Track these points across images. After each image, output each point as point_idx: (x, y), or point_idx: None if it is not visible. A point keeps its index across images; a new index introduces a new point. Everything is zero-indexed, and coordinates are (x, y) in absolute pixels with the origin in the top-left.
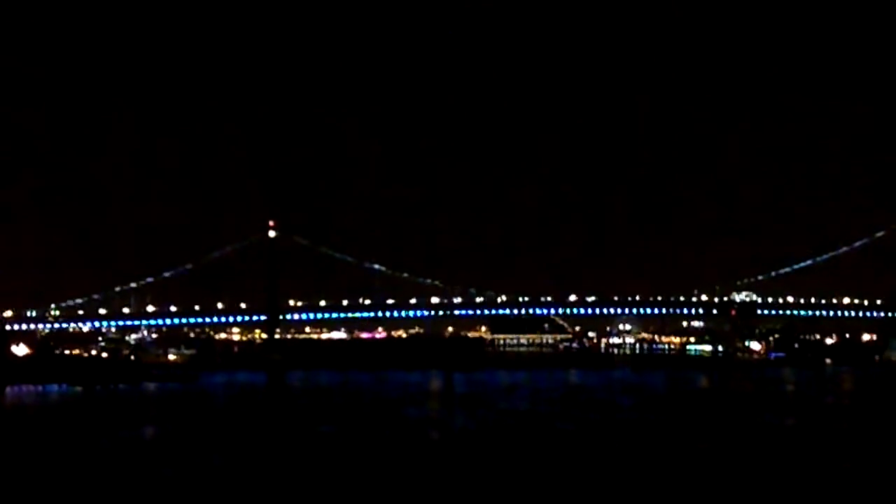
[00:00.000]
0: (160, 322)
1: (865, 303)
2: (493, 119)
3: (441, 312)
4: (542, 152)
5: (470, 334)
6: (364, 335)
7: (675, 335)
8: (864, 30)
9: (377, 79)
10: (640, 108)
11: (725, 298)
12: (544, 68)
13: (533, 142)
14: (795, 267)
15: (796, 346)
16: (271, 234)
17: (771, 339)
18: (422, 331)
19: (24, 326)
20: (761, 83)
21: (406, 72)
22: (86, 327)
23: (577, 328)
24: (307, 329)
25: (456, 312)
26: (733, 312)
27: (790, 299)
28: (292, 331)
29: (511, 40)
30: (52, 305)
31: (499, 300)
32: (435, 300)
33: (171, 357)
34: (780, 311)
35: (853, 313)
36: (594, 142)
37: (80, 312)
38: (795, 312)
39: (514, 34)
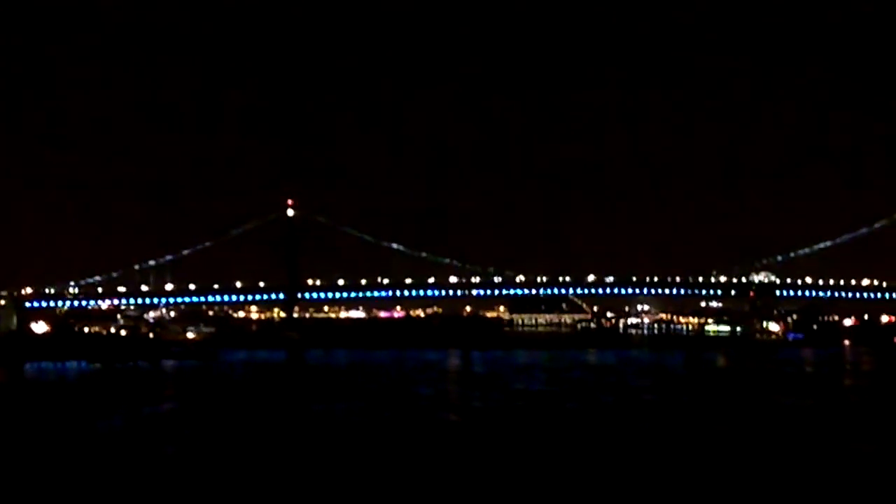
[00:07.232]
0: (179, 300)
1: (885, 284)
2: (514, 95)
3: (459, 292)
4: (561, 131)
5: (488, 314)
6: (382, 314)
7: (694, 316)
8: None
9: (400, 56)
10: (657, 86)
11: (744, 279)
12: (560, 40)
13: (551, 120)
14: (814, 248)
15: (815, 327)
16: (290, 212)
17: (790, 320)
18: (440, 310)
19: (43, 304)
20: (784, 65)
21: (432, 48)
22: (105, 305)
23: (596, 308)
24: (325, 308)
25: (474, 292)
26: (752, 293)
27: (809, 280)
28: (311, 310)
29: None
30: (72, 283)
31: (517, 280)
32: (453, 280)
33: (190, 335)
34: (799, 293)
35: (872, 295)
36: (614, 119)
37: (100, 290)
38: (814, 294)
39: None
